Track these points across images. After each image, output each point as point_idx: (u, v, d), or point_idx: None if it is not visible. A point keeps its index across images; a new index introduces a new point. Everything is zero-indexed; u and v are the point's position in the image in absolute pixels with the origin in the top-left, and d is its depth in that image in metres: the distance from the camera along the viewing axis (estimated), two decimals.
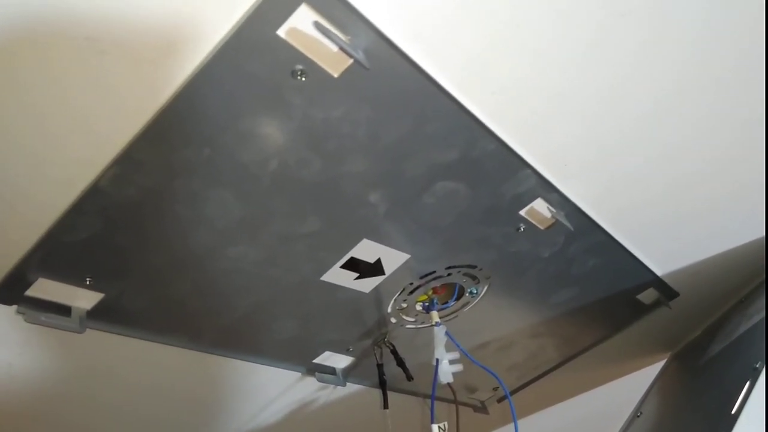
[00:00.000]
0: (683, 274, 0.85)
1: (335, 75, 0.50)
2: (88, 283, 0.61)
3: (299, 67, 0.49)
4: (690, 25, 0.52)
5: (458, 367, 0.76)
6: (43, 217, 0.55)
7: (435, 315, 0.79)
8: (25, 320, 0.62)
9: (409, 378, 0.82)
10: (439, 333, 0.77)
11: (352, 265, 0.70)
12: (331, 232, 0.65)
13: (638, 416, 0.89)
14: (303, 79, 0.49)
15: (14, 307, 0.62)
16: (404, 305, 0.80)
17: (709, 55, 0.55)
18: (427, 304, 0.81)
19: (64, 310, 0.63)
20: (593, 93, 0.57)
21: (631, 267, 0.82)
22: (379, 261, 0.71)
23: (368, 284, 0.74)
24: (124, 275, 0.62)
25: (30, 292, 0.61)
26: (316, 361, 0.85)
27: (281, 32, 0.46)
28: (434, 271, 0.76)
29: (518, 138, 0.61)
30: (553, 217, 0.71)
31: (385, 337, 0.84)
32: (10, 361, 0.68)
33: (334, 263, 0.69)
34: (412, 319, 0.83)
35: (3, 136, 0.49)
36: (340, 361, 0.87)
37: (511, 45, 0.51)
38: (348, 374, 0.90)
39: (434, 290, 0.80)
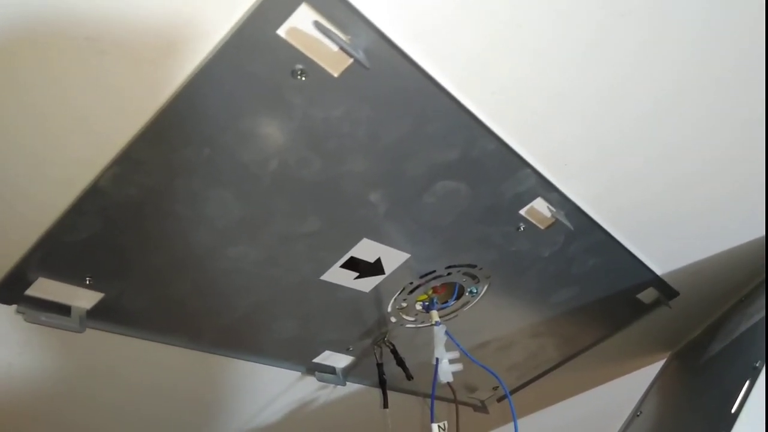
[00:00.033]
0: (683, 274, 0.85)
1: (335, 75, 0.50)
2: (88, 282, 0.61)
3: (299, 66, 0.49)
4: (690, 25, 0.52)
5: (458, 367, 0.76)
6: (43, 216, 0.55)
7: (435, 314, 0.79)
8: (25, 320, 0.62)
9: (409, 377, 0.82)
10: (439, 332, 0.77)
11: (352, 264, 0.70)
12: (331, 231, 0.65)
13: (638, 415, 0.89)
14: (303, 78, 0.49)
15: (14, 306, 0.62)
16: (404, 305, 0.80)
17: (709, 55, 0.55)
18: (427, 303, 0.80)
19: (64, 310, 0.63)
20: (593, 93, 0.57)
21: (631, 266, 0.82)
22: (379, 260, 0.71)
23: (368, 284, 0.74)
24: (124, 275, 0.62)
25: (30, 292, 0.61)
26: (316, 360, 0.85)
27: (281, 32, 0.46)
28: (434, 271, 0.76)
29: (518, 138, 0.61)
30: (553, 216, 0.71)
31: (385, 337, 0.84)
32: (10, 361, 0.68)
33: (334, 263, 0.69)
34: (412, 319, 0.83)
35: (3, 136, 0.49)
36: (340, 360, 0.87)
37: (511, 45, 0.51)
38: (348, 374, 0.90)
39: (434, 290, 0.80)
